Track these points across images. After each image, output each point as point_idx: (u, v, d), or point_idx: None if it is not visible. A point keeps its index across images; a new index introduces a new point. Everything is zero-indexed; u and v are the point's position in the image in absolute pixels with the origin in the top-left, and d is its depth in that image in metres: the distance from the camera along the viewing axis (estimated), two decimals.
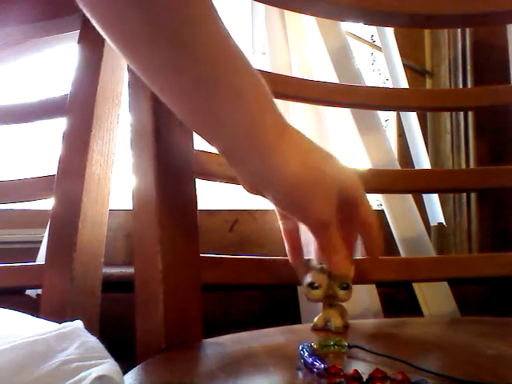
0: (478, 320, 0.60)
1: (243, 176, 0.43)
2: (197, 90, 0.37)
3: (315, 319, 0.50)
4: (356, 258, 0.67)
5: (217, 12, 0.37)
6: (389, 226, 0.82)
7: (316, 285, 0.48)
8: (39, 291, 0.69)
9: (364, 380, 0.32)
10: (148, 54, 0.36)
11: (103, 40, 0.61)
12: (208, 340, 0.48)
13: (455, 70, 0.98)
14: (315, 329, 0.50)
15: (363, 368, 0.35)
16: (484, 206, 0.91)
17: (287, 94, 0.66)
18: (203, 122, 0.40)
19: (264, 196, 0.43)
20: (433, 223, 0.93)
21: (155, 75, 0.38)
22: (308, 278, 0.48)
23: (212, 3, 0.36)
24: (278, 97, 0.70)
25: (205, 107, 0.38)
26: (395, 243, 0.81)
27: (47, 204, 0.60)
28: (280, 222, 0.48)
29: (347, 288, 0.49)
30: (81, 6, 0.35)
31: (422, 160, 0.91)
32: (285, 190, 0.41)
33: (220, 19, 0.37)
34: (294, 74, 0.83)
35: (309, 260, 0.50)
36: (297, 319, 0.74)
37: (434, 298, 0.79)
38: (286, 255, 0.49)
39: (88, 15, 0.35)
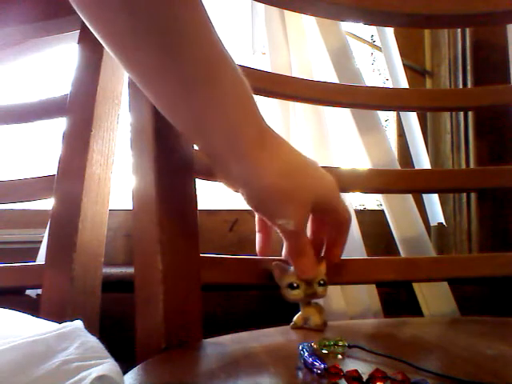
0: (478, 320, 0.60)
1: (222, 176, 0.44)
2: (181, 92, 0.38)
3: (294, 318, 0.51)
4: (356, 258, 0.67)
5: (207, 16, 0.37)
6: (389, 225, 0.82)
7: (295, 285, 0.48)
8: (39, 291, 0.69)
9: (364, 380, 0.32)
10: (136, 56, 0.37)
11: None
12: (208, 340, 0.48)
13: (455, 70, 0.98)
14: (295, 328, 0.50)
15: (363, 368, 0.35)
16: (484, 206, 0.91)
17: (287, 94, 0.66)
18: (188, 125, 0.41)
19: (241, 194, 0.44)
20: (433, 223, 0.93)
21: (144, 77, 0.39)
22: (286, 279, 0.49)
23: (202, 6, 0.37)
24: (277, 97, 0.71)
25: (189, 110, 0.39)
26: (395, 243, 0.81)
27: (47, 204, 0.60)
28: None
29: (324, 284, 0.49)
30: (73, 6, 0.35)
31: (422, 160, 0.91)
32: (260, 196, 0.42)
33: (210, 23, 0.37)
34: (294, 74, 0.83)
35: (282, 261, 0.50)
36: None
37: (434, 298, 0.79)
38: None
39: (80, 15, 0.36)
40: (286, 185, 0.42)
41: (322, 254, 0.52)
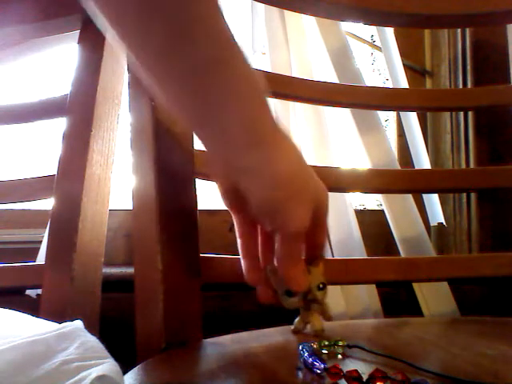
0: (478, 320, 0.60)
1: (227, 168, 0.41)
2: (192, 75, 0.36)
3: (295, 322, 0.49)
4: (356, 258, 0.67)
5: (217, 1, 0.36)
6: (389, 225, 0.82)
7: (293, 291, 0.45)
8: (39, 291, 0.69)
9: (364, 380, 0.32)
10: (144, 36, 0.35)
11: (103, 40, 0.61)
12: (208, 340, 0.48)
13: (455, 70, 0.98)
14: (295, 332, 0.49)
15: (363, 368, 0.35)
16: (484, 206, 0.91)
17: (287, 93, 0.66)
18: (197, 112, 0.39)
19: (237, 201, 0.42)
20: (433, 223, 0.93)
21: (152, 61, 0.37)
22: (284, 285, 0.45)
23: None
24: (278, 97, 0.71)
25: (198, 96, 0.37)
26: (395, 243, 0.81)
27: (47, 204, 0.60)
28: (236, 222, 0.46)
29: (324, 288, 0.46)
30: None
31: (422, 160, 0.91)
32: (273, 185, 0.39)
33: (220, 9, 0.36)
34: (294, 74, 0.83)
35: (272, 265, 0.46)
36: None
37: (434, 298, 0.79)
38: None
39: None
40: (299, 178, 0.40)
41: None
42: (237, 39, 0.38)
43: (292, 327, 0.49)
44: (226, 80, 0.37)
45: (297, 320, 0.49)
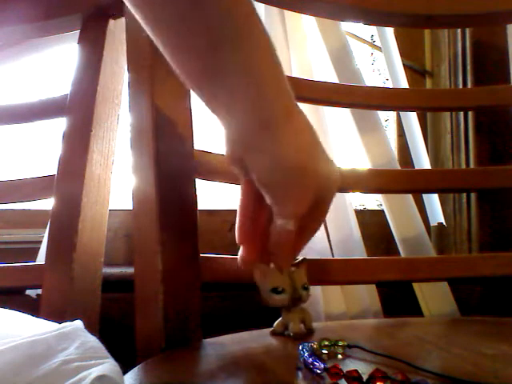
0: (477, 320, 0.60)
1: (235, 141, 0.41)
2: (207, 47, 0.36)
3: (275, 324, 0.49)
4: (356, 258, 0.67)
5: None
6: (389, 225, 0.82)
7: (280, 289, 0.45)
8: (39, 291, 0.69)
9: (364, 380, 0.32)
10: (163, 8, 0.35)
11: (103, 40, 0.61)
12: (208, 340, 0.48)
13: (455, 70, 0.98)
14: (274, 334, 0.48)
15: (363, 368, 0.35)
16: (484, 206, 0.91)
17: None
18: (211, 83, 0.38)
19: (243, 169, 0.41)
20: (433, 223, 0.93)
21: (169, 33, 0.37)
22: (269, 283, 0.45)
23: None
24: None
25: (213, 67, 0.37)
26: (395, 243, 0.81)
27: (47, 204, 0.60)
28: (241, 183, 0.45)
29: (307, 289, 0.47)
30: None
31: (422, 160, 0.91)
32: (277, 168, 0.39)
33: None
34: (294, 74, 0.83)
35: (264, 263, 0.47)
36: None
37: (434, 297, 0.79)
38: None
39: None
40: (309, 160, 0.40)
41: None
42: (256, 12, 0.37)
43: (271, 329, 0.49)
44: (243, 55, 0.37)
45: (277, 322, 0.49)
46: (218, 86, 0.38)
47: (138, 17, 0.37)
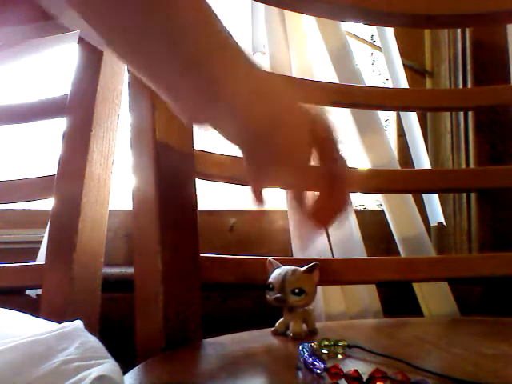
0: (477, 320, 0.60)
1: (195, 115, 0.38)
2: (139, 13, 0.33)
3: (276, 324, 0.49)
4: (356, 258, 0.67)
5: None
6: (389, 225, 0.82)
7: (271, 286, 0.47)
8: (39, 291, 0.69)
9: (364, 380, 0.32)
10: None
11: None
12: (208, 340, 0.48)
13: (455, 70, 0.98)
14: (275, 334, 0.49)
15: (363, 368, 0.35)
16: (484, 206, 0.91)
17: None
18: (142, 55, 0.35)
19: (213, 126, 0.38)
20: (433, 223, 0.93)
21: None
22: (269, 278, 0.48)
23: None
24: None
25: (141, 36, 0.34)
26: (395, 243, 0.81)
27: (47, 204, 0.60)
28: None
29: (300, 294, 0.46)
30: None
31: (422, 160, 0.91)
32: (247, 124, 0.36)
33: None
34: (294, 74, 0.83)
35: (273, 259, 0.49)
36: None
37: (434, 298, 0.79)
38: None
39: None
40: (275, 114, 0.36)
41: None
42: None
43: (272, 329, 0.49)
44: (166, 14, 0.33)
45: (278, 322, 0.49)
46: (147, 56, 0.35)
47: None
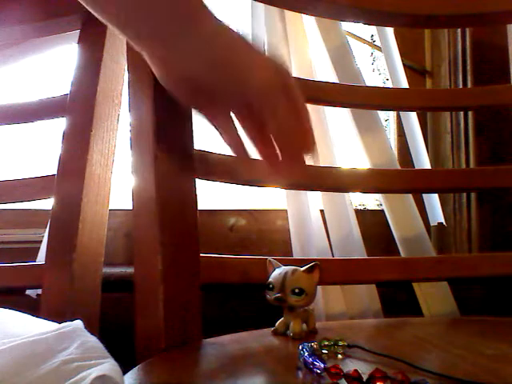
0: (477, 320, 0.60)
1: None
2: None
3: (277, 323, 0.49)
4: (356, 258, 0.67)
5: None
6: (389, 225, 0.82)
7: (271, 286, 0.47)
8: (39, 291, 0.69)
9: (364, 380, 0.32)
10: None
11: (103, 40, 0.61)
12: (208, 340, 0.48)
13: (455, 70, 0.98)
14: (275, 334, 0.49)
15: (363, 368, 0.35)
16: (484, 206, 0.91)
17: None
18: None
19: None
20: (433, 223, 0.93)
21: None
22: (269, 278, 0.48)
23: None
24: None
25: None
26: (395, 243, 0.81)
27: (47, 204, 0.60)
28: None
29: (300, 294, 0.46)
30: None
31: (422, 160, 0.91)
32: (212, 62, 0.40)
33: None
34: (294, 74, 0.83)
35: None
36: None
37: (434, 298, 0.79)
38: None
39: None
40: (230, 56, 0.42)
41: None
42: None
43: (272, 329, 0.49)
44: None
45: (279, 322, 0.49)
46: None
47: None
